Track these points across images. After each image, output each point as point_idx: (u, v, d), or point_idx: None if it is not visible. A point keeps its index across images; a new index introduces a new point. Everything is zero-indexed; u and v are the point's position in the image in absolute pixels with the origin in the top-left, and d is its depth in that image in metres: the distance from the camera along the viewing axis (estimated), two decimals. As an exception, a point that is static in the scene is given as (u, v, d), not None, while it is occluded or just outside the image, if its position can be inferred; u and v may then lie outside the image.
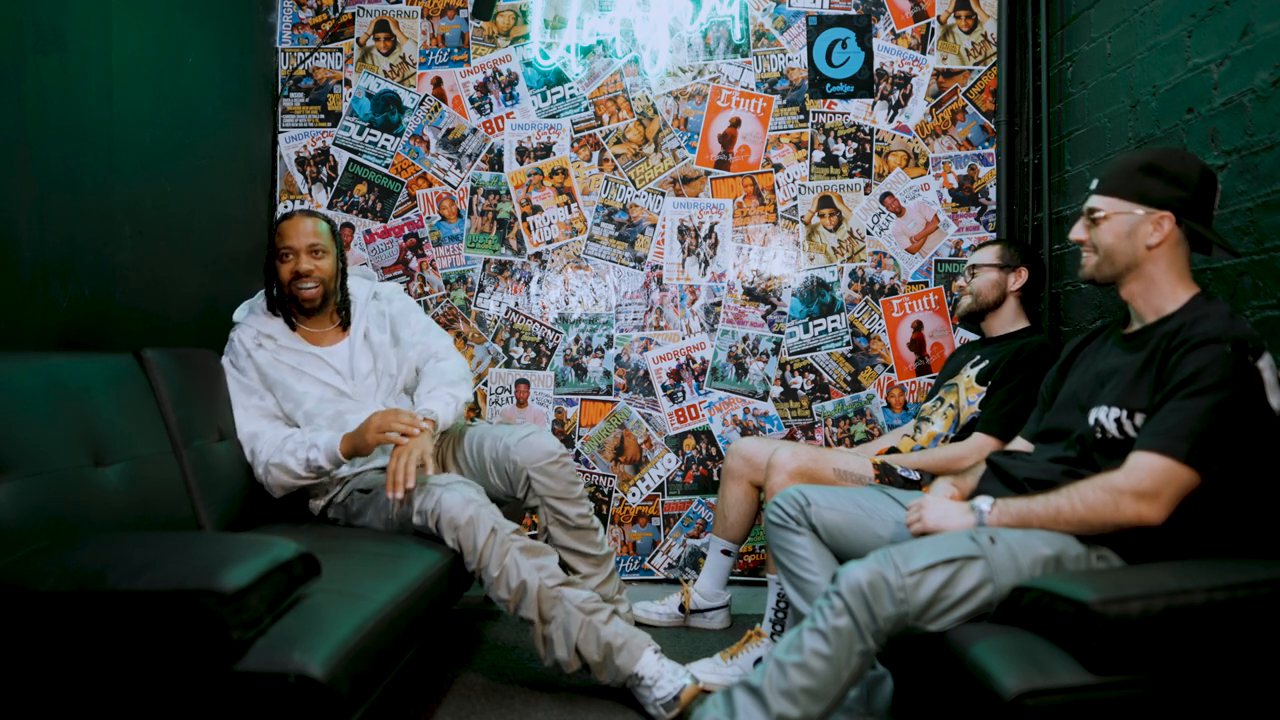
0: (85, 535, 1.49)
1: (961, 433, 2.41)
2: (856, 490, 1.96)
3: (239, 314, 2.38)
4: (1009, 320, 2.54)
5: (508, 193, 3.15)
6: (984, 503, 1.67)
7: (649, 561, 3.12)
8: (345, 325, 2.37)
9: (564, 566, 2.23)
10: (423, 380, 2.35)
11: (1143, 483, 1.50)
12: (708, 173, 3.14)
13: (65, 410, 1.69)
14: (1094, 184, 1.74)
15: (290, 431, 2.20)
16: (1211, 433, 1.48)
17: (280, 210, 3.12)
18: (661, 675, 1.93)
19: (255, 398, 2.25)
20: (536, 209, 3.15)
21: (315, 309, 2.31)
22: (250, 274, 2.98)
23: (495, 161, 3.15)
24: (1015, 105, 3.06)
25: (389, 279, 3.12)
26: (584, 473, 3.08)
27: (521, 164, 3.15)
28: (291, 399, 2.25)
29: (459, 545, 1.96)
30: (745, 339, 3.13)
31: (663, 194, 3.14)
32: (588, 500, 2.29)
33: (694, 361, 3.13)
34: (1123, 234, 1.67)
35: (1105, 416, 1.64)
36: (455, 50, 3.16)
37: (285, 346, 2.28)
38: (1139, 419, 1.59)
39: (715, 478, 3.09)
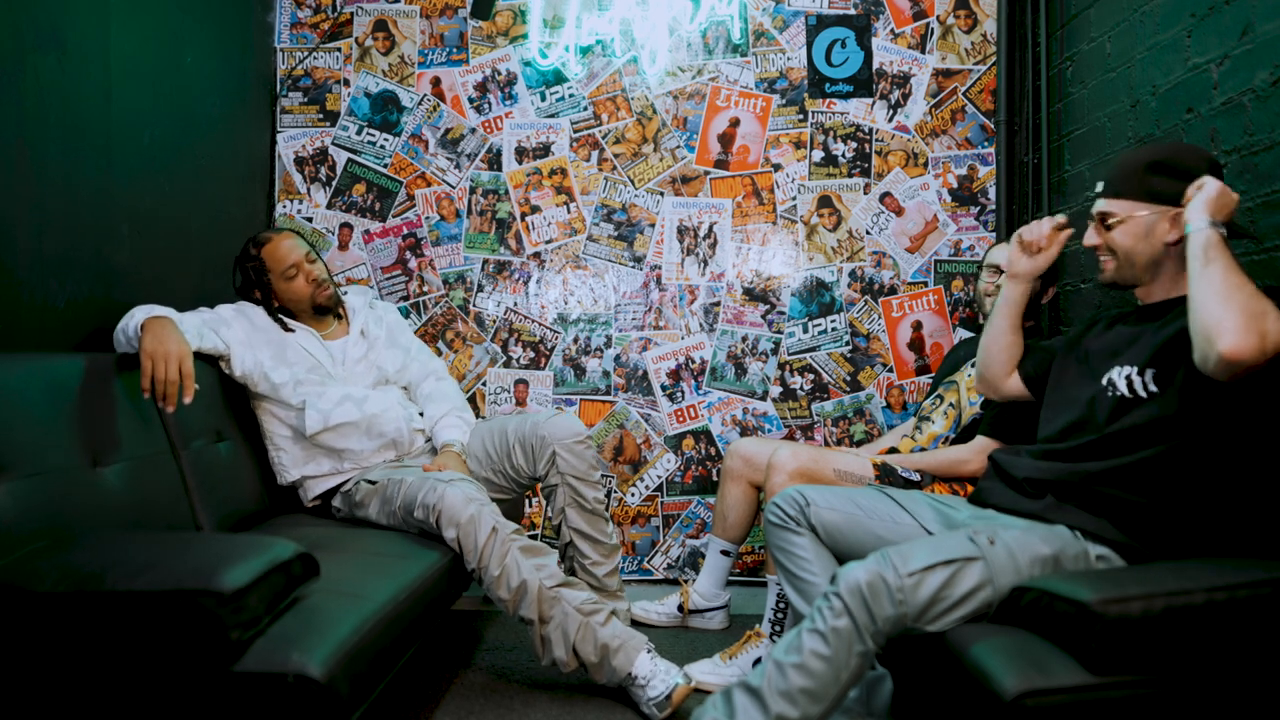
0: (84, 535, 1.48)
1: (963, 433, 2.41)
2: (856, 490, 1.96)
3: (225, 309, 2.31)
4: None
5: (506, 192, 3.15)
6: (1200, 220, 1.51)
7: (648, 561, 3.12)
8: (341, 319, 2.48)
9: (572, 560, 2.30)
10: (433, 400, 2.47)
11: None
12: (707, 172, 3.14)
13: (64, 410, 1.69)
14: (1099, 187, 1.72)
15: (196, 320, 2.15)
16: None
17: (279, 210, 3.12)
18: (654, 675, 1.95)
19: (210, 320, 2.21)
20: (535, 209, 3.15)
21: (329, 308, 2.40)
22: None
23: (494, 161, 3.15)
24: (1015, 105, 3.06)
25: (388, 278, 3.13)
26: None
27: (520, 164, 3.15)
28: (270, 376, 2.23)
29: (459, 543, 1.97)
30: (744, 339, 3.13)
31: (662, 194, 3.14)
32: (603, 489, 2.35)
33: (693, 361, 3.13)
34: (1140, 235, 1.66)
35: (1118, 375, 1.64)
36: (454, 50, 3.15)
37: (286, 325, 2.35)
38: (1149, 375, 1.59)
39: (714, 478, 3.09)
